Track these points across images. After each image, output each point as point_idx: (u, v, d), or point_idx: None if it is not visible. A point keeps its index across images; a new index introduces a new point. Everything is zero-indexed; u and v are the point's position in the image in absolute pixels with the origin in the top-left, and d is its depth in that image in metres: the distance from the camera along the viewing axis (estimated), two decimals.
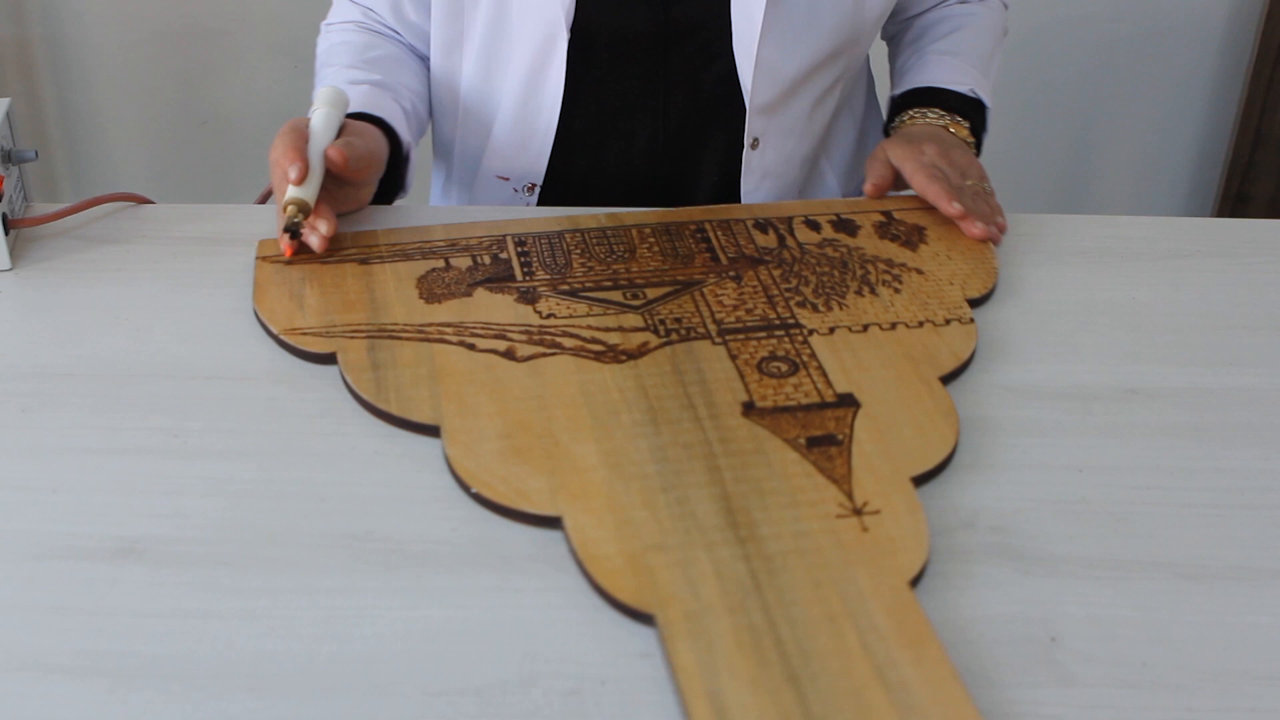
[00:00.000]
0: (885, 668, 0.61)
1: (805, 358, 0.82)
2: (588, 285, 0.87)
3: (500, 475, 0.72)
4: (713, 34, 1.04)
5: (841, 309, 0.87)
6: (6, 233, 0.92)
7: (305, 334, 0.82)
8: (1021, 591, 0.67)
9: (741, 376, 0.80)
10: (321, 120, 0.93)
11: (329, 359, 0.81)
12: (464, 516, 0.71)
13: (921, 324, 0.86)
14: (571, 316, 0.84)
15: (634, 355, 0.81)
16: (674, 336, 0.83)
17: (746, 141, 1.07)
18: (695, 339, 0.83)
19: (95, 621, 0.64)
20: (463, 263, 0.89)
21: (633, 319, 0.84)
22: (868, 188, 1.02)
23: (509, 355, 0.80)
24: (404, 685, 0.61)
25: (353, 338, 0.82)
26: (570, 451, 0.73)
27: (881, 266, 0.92)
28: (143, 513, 0.71)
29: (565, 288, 0.87)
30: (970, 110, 1.10)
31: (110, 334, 0.86)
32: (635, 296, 0.86)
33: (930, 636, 0.63)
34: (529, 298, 0.86)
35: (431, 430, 0.76)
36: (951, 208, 0.96)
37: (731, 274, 0.90)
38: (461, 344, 0.81)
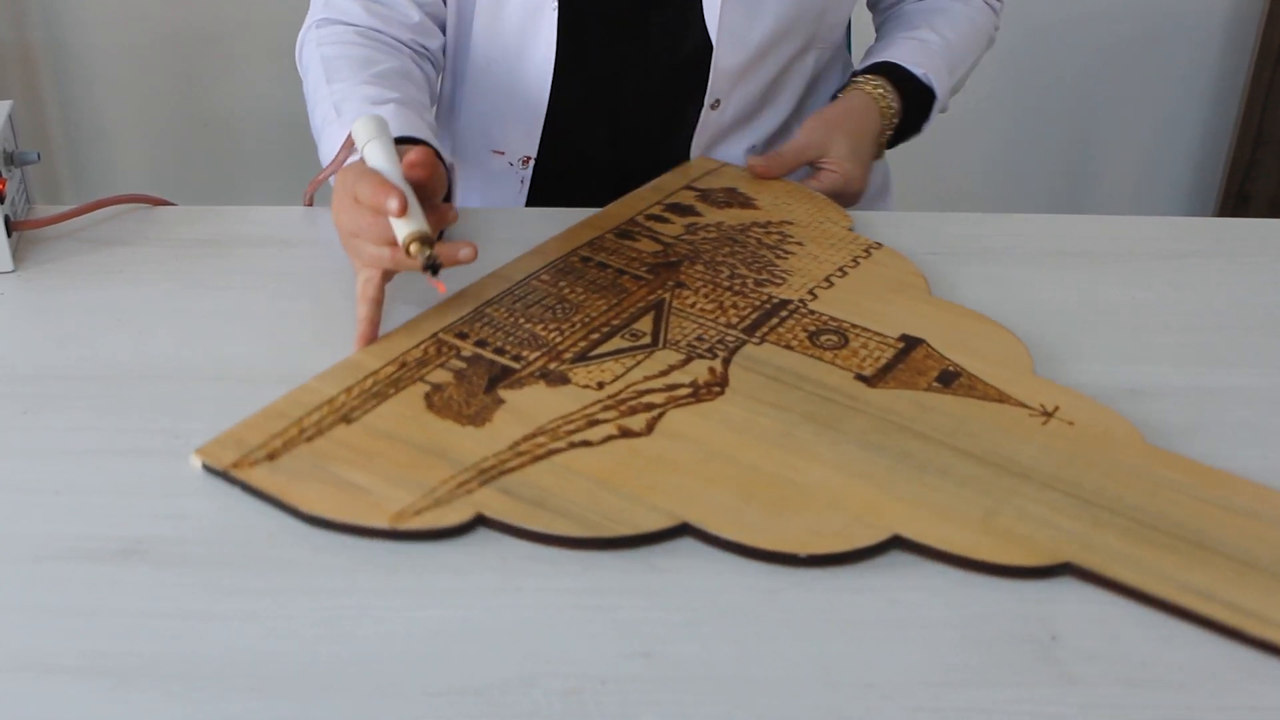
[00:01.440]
0: (1224, 505, 0.71)
1: (833, 323, 0.85)
2: (584, 346, 0.82)
3: (805, 529, 0.69)
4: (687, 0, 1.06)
5: (789, 274, 0.91)
6: (9, 235, 0.93)
7: (422, 512, 0.69)
8: (1021, 590, 0.67)
9: (820, 359, 0.82)
10: (380, 152, 0.85)
11: (476, 523, 0.69)
12: None
13: (857, 261, 0.93)
14: (620, 378, 0.79)
15: (721, 383, 0.79)
16: (721, 352, 0.82)
17: (707, 102, 1.09)
18: (739, 346, 0.83)
19: (97, 622, 0.64)
20: (443, 377, 0.79)
21: (669, 355, 0.82)
22: (762, 165, 1.05)
23: (629, 434, 0.75)
24: (404, 685, 0.61)
25: (471, 491, 0.70)
26: (811, 483, 0.72)
27: (760, 230, 0.96)
28: (144, 514, 0.71)
29: (570, 356, 0.81)
30: (915, 92, 1.12)
31: (112, 336, 0.86)
32: (636, 336, 0.83)
33: (1205, 468, 0.73)
34: (557, 379, 0.79)
35: (675, 532, 0.69)
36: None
37: (672, 283, 0.89)
38: (573, 446, 0.74)
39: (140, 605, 0.65)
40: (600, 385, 0.78)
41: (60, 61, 2.06)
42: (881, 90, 1.10)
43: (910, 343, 0.83)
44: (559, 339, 0.83)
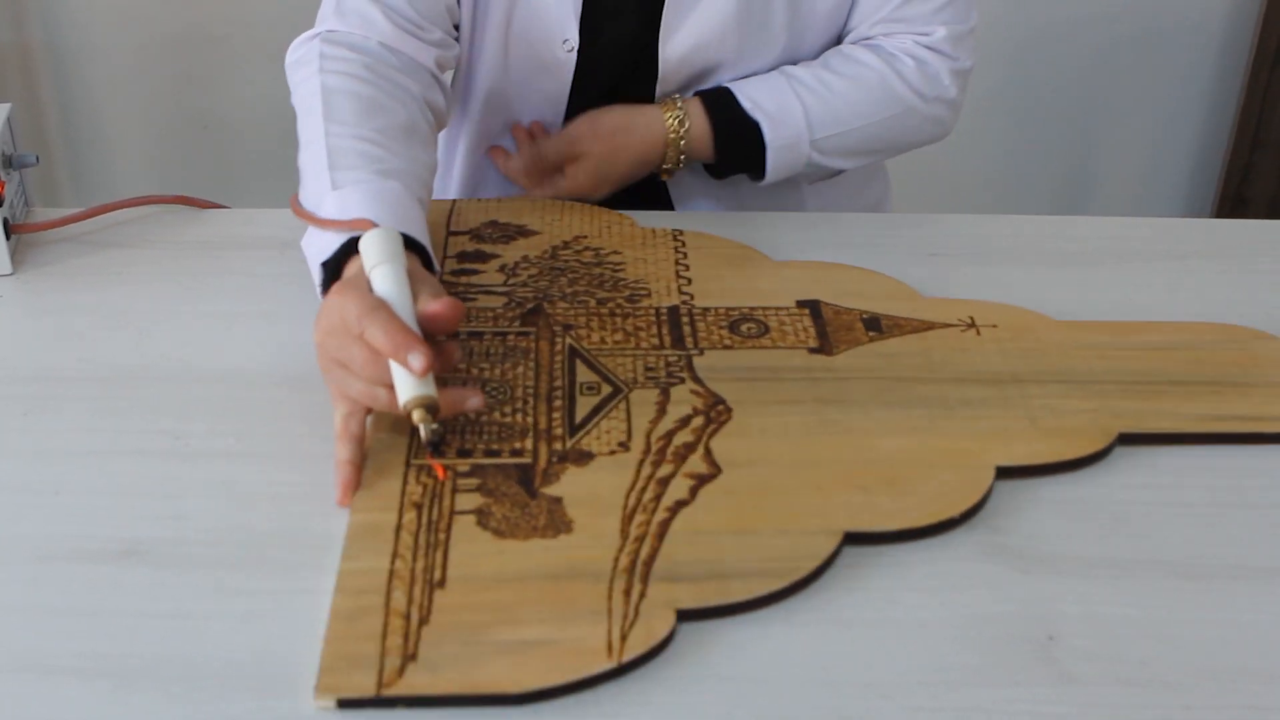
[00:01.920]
0: (1149, 347, 0.85)
1: (734, 312, 0.87)
2: (562, 417, 0.77)
3: (934, 495, 0.72)
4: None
5: (645, 282, 0.91)
6: (8, 237, 0.93)
7: (626, 636, 0.63)
8: (1019, 590, 0.67)
9: (763, 347, 0.84)
10: (391, 280, 0.74)
11: (680, 621, 0.64)
12: None
13: (680, 251, 0.94)
14: (632, 432, 0.76)
15: (719, 399, 0.78)
16: (683, 374, 0.81)
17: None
18: (690, 361, 0.82)
19: (97, 623, 0.64)
20: (474, 501, 0.70)
21: (645, 394, 0.79)
22: (523, 165, 1.05)
23: (705, 478, 0.72)
24: None
25: (643, 594, 0.65)
26: (890, 455, 0.75)
27: (569, 253, 0.94)
28: (145, 515, 0.71)
29: (561, 431, 0.76)
30: (739, 127, 1.01)
31: (112, 337, 0.86)
32: (595, 389, 0.79)
33: (1112, 324, 0.88)
34: (579, 457, 0.74)
35: (840, 551, 0.69)
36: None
37: (559, 328, 0.85)
38: (673, 511, 0.70)
39: (140, 605, 0.65)
40: (624, 446, 0.75)
41: (59, 63, 2.06)
42: (680, 118, 1.01)
43: (811, 306, 0.88)
44: (531, 419, 0.77)
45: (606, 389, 0.80)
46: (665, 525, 0.69)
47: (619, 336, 0.85)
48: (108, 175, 2.14)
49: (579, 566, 0.67)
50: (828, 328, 0.86)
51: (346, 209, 0.81)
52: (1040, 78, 2.10)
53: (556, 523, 0.69)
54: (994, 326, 0.86)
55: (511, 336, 0.84)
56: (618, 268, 0.92)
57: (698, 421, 0.77)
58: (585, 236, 0.96)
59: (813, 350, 0.84)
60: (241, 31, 2.01)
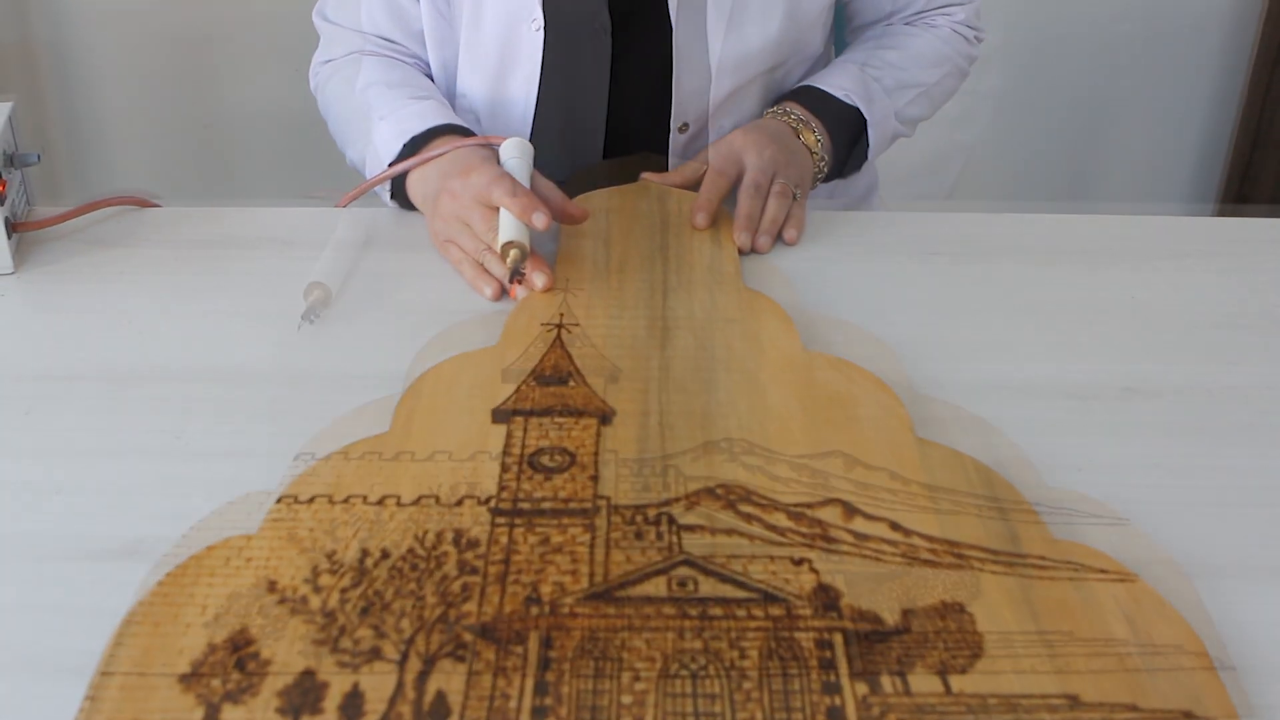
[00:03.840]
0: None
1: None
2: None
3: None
4: (656, 19, 1.05)
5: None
6: (10, 236, 0.93)
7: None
8: None
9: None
10: (523, 172, 0.94)
11: None
12: None
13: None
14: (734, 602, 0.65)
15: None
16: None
17: (674, 125, 1.09)
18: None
19: (99, 622, 0.64)
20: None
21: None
22: (700, 212, 0.98)
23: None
24: None
25: None
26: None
27: (390, 567, 0.67)
28: (145, 514, 0.71)
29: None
30: (841, 119, 1.06)
31: (113, 336, 0.87)
32: (683, 585, 0.66)
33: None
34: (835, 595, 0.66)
35: None
36: (739, 238, 0.96)
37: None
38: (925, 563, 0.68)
39: None
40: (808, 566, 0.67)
41: (61, 61, 2.06)
42: (798, 115, 1.05)
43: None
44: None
45: (690, 603, 0.65)
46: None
47: (623, 556, 0.68)
48: (110, 173, 2.14)
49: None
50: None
51: (404, 128, 0.99)
52: (1043, 76, 2.10)
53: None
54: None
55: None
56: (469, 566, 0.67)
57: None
58: (387, 550, 0.68)
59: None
60: (244, 30, 2.01)
